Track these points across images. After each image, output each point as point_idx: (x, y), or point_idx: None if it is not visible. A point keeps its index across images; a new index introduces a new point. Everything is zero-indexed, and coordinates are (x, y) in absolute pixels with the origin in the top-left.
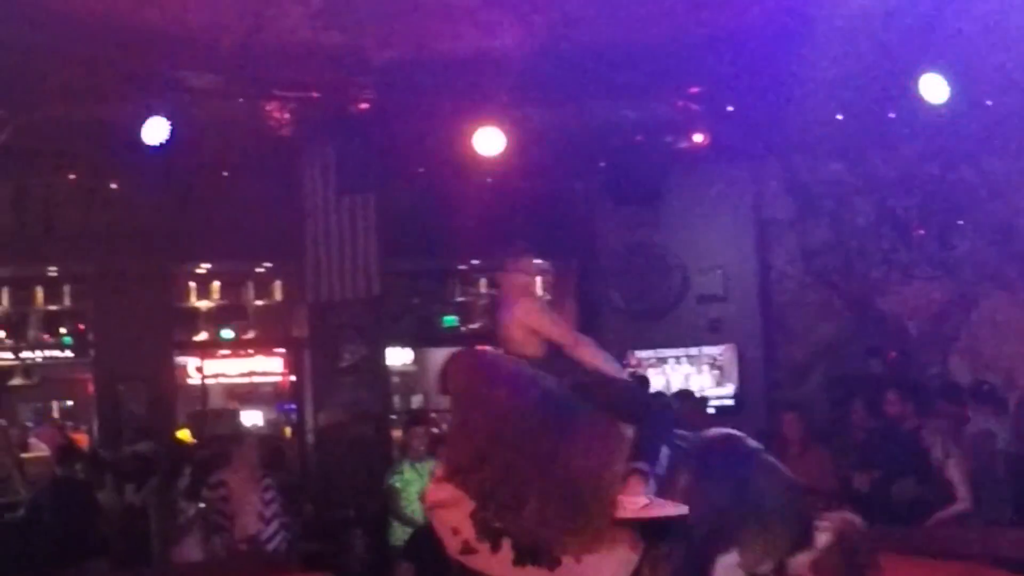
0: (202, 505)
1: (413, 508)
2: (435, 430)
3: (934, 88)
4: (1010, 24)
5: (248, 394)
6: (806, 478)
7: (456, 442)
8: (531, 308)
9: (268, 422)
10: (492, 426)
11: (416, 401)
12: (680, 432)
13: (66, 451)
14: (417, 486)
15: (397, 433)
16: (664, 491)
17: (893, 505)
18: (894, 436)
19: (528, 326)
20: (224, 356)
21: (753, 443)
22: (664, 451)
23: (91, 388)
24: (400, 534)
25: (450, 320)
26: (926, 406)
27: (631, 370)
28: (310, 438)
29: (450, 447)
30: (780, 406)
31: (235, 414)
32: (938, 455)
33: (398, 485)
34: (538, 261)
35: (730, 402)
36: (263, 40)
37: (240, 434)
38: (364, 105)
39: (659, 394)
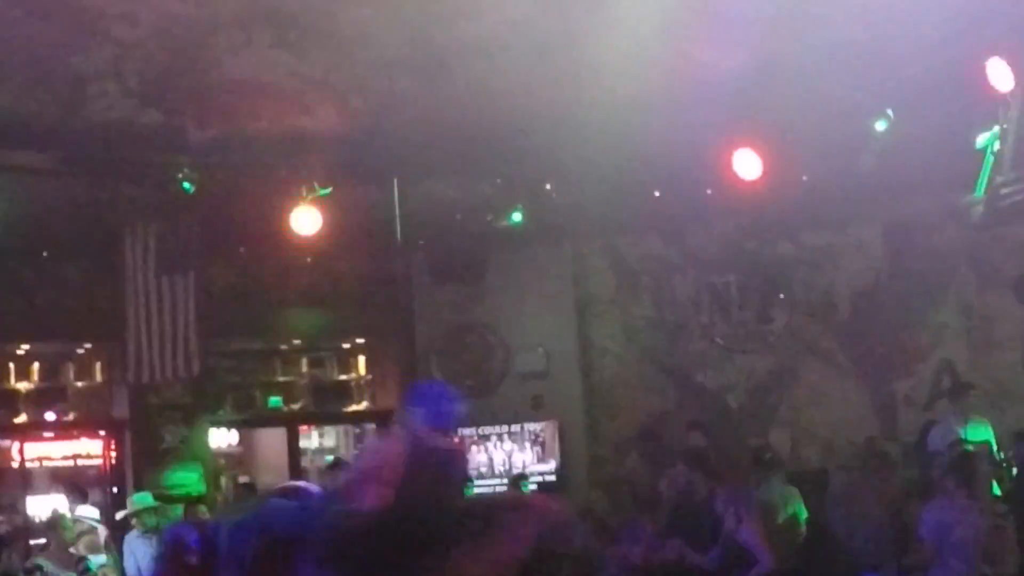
0: None
1: None
2: None
3: (747, 164)
4: (820, 98)
5: (72, 477)
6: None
7: None
8: None
9: (94, 505)
10: None
11: (244, 480)
12: None
13: None
14: None
15: None
16: None
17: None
18: (690, 507)
19: None
20: (47, 439)
21: None
22: None
23: None
24: None
25: (274, 400)
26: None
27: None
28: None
29: None
30: (602, 482)
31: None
32: (730, 523)
33: None
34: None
35: (552, 478)
36: (81, 118)
37: (55, 518)
38: (183, 184)
39: None
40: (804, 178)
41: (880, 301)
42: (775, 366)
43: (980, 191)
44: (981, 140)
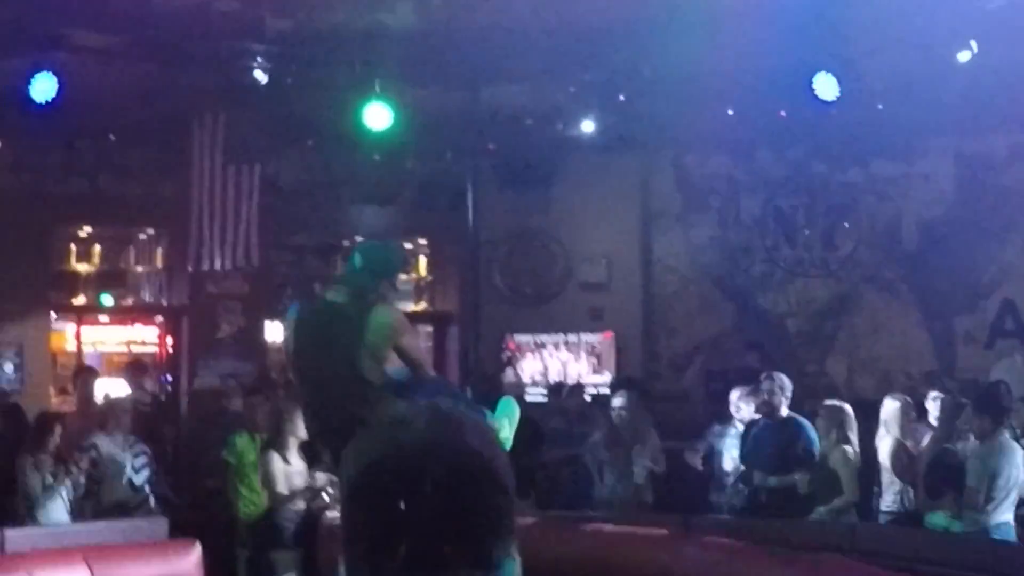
0: (72, 468)
1: (251, 480)
2: None
3: (825, 88)
4: (903, 27)
5: (126, 363)
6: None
7: None
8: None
9: (146, 393)
10: None
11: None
12: None
13: None
14: (254, 456)
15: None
16: None
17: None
18: (770, 427)
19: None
20: (103, 324)
21: None
22: None
23: None
24: (244, 507)
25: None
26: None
27: (509, 354)
28: (184, 408)
29: None
30: (656, 397)
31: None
32: (827, 444)
33: (230, 459)
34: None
35: (606, 390)
36: (157, 2)
37: (114, 399)
38: (256, 74)
39: None
40: (879, 106)
41: (946, 235)
42: (836, 293)
43: None
44: None
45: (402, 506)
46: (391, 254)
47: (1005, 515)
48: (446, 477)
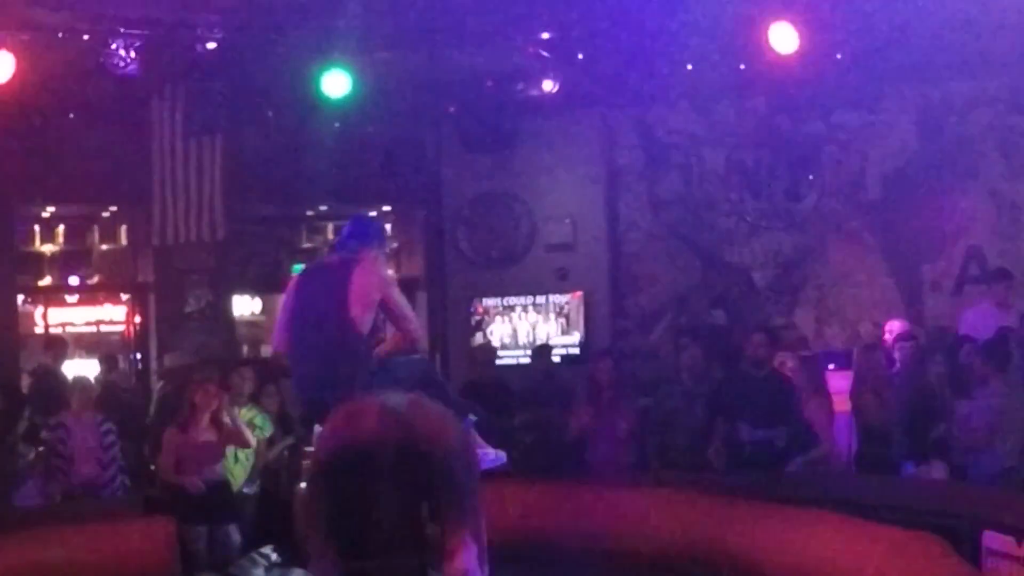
0: (41, 449)
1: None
2: None
3: (784, 39)
4: None
5: (93, 343)
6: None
7: None
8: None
9: (114, 371)
10: None
11: (265, 351)
12: None
13: None
14: None
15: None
16: None
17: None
18: (755, 380)
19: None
20: (70, 304)
21: None
22: None
23: None
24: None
25: (299, 267)
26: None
27: (477, 318)
28: (154, 384)
29: None
30: (626, 355)
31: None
32: (803, 396)
33: None
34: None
35: (576, 351)
36: None
37: (80, 379)
38: (213, 45)
39: None
40: (838, 56)
41: (910, 184)
42: (802, 245)
43: None
44: None
45: (356, 489)
46: (371, 227)
47: (1009, 459)
48: (394, 468)
